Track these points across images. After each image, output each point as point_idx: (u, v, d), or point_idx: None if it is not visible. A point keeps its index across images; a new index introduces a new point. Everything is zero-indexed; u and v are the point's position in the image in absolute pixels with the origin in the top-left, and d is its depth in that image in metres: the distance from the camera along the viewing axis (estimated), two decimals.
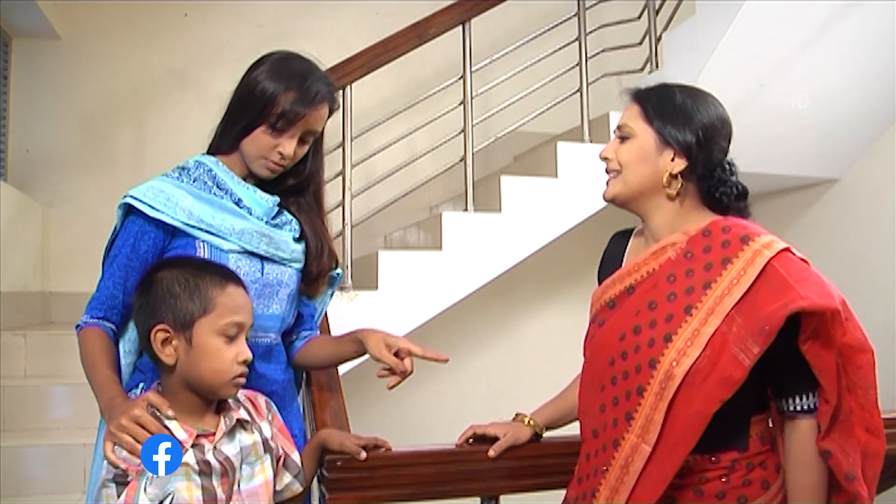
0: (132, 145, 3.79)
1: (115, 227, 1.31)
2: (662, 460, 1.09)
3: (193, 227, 1.27)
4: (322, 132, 1.41)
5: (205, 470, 1.07)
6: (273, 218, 1.38)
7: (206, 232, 1.28)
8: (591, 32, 3.32)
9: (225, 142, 1.36)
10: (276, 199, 1.39)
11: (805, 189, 3.75)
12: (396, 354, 1.28)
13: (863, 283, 3.44)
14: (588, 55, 3.27)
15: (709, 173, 1.19)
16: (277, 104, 1.29)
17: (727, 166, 1.22)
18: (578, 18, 3.29)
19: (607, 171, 1.25)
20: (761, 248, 1.11)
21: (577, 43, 3.28)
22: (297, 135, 1.32)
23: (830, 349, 1.07)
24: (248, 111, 1.31)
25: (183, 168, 1.35)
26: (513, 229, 2.90)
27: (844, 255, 3.56)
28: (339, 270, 1.54)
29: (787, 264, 1.10)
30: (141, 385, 1.27)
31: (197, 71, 3.82)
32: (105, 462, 1.04)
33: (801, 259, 1.14)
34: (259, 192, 1.37)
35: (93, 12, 3.71)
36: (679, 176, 1.18)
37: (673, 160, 1.18)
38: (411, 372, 1.28)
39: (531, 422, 1.40)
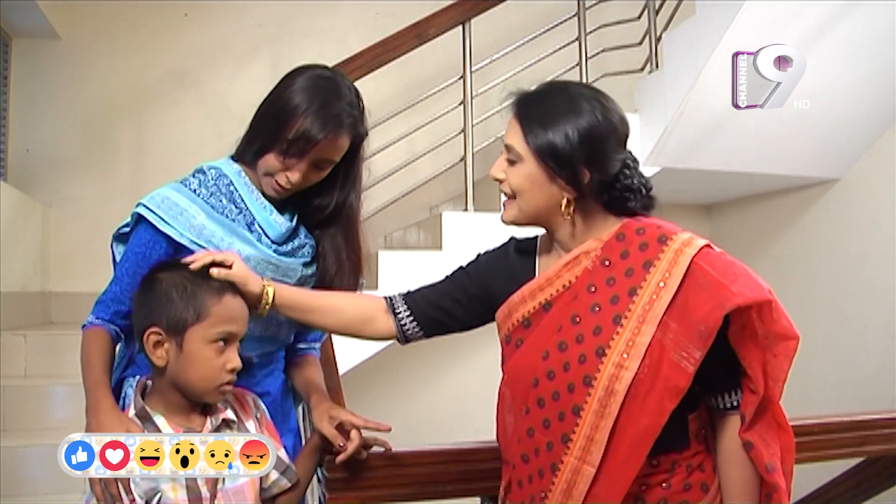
0: (132, 145, 3.80)
1: (128, 224, 1.30)
2: (612, 479, 1.05)
3: (202, 246, 1.25)
4: (357, 161, 1.35)
5: None
6: (285, 242, 1.34)
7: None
8: (591, 32, 3.32)
9: (247, 155, 1.32)
10: (291, 224, 1.34)
11: (805, 189, 3.75)
12: (341, 426, 1.25)
13: (863, 283, 3.44)
14: (588, 55, 3.27)
15: (609, 185, 1.13)
16: (291, 129, 1.23)
17: (627, 170, 1.14)
18: (578, 18, 3.29)
19: (501, 191, 1.19)
20: (682, 247, 1.08)
21: (577, 43, 3.28)
22: (307, 162, 1.26)
23: (757, 340, 1.05)
24: (266, 129, 1.27)
25: (204, 175, 1.31)
26: (512, 229, 2.88)
27: (844, 255, 3.56)
28: (362, 280, 1.47)
29: (712, 260, 1.07)
30: (138, 377, 1.26)
31: (197, 71, 3.82)
32: None
33: (722, 252, 1.11)
34: (275, 213, 1.32)
35: (93, 12, 3.71)
36: (573, 199, 1.13)
37: (564, 188, 1.12)
38: (360, 445, 1.25)
39: (267, 288, 1.21)
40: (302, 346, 1.47)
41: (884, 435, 1.58)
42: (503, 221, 1.21)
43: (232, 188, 1.31)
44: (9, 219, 3.05)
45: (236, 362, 1.12)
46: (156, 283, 1.13)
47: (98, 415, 1.12)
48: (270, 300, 1.21)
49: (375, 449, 1.32)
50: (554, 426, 1.09)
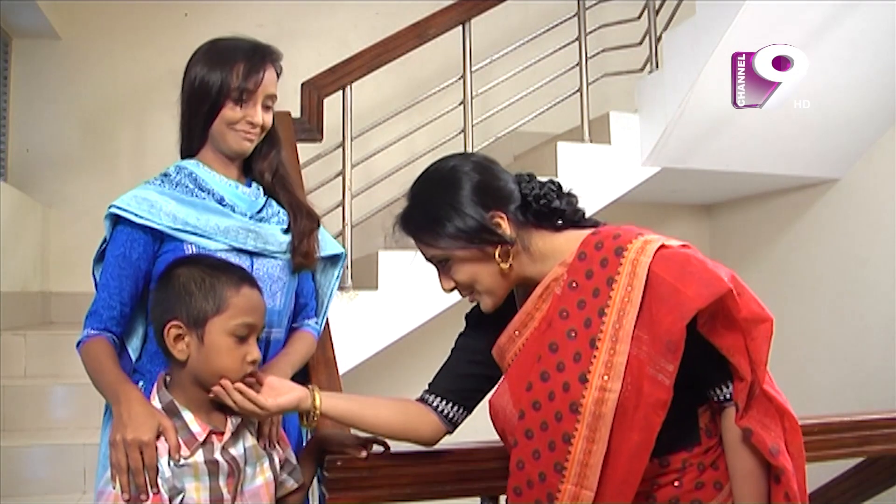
0: (132, 145, 3.80)
1: (105, 238, 1.33)
2: (612, 499, 1.06)
3: (179, 230, 1.28)
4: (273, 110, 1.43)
5: (212, 470, 1.08)
6: (259, 212, 1.39)
7: (193, 234, 1.29)
8: (591, 32, 3.31)
9: (195, 138, 1.38)
10: (260, 193, 1.40)
11: (805, 189, 3.75)
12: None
13: (863, 283, 3.44)
14: (588, 55, 3.27)
15: (524, 205, 1.15)
16: (233, 80, 1.30)
17: (524, 182, 1.18)
18: (578, 18, 3.29)
19: (462, 295, 1.21)
20: (637, 257, 1.07)
21: (577, 43, 3.28)
22: (258, 102, 1.33)
23: (734, 326, 1.04)
24: (204, 101, 1.32)
25: (165, 175, 1.37)
26: None
27: (844, 255, 3.56)
28: (341, 250, 1.55)
29: (667, 265, 1.06)
30: (140, 383, 1.27)
31: None
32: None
33: (682, 245, 1.10)
34: (241, 186, 1.39)
35: (93, 12, 3.71)
36: (507, 246, 1.13)
37: (497, 247, 1.13)
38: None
39: (316, 403, 1.18)
40: (294, 324, 1.48)
41: (884, 435, 1.57)
42: (488, 313, 1.21)
43: (194, 175, 1.36)
44: (9, 219, 3.05)
45: (256, 354, 1.12)
46: (173, 278, 1.13)
47: (130, 406, 1.11)
48: (319, 405, 1.18)
49: (375, 448, 1.33)
50: (545, 456, 1.09)
